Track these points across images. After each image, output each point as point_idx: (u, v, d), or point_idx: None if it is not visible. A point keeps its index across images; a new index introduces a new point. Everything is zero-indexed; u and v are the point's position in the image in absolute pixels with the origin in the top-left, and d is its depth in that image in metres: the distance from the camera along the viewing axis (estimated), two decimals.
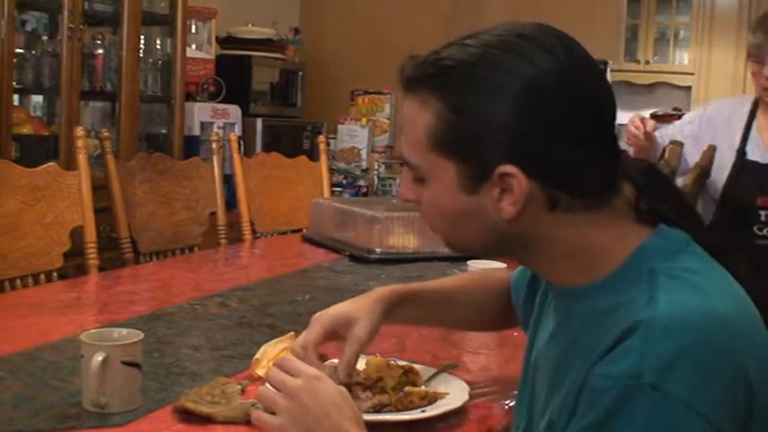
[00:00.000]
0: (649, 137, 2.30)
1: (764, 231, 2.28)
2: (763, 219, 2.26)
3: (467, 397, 1.23)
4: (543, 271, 0.97)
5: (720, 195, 2.32)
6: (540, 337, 1.03)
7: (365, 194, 4.75)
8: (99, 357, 1.14)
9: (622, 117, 6.21)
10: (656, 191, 0.93)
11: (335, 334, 1.22)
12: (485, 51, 0.87)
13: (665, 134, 2.48)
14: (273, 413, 0.98)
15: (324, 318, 1.23)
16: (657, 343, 0.79)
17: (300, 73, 4.82)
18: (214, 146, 2.85)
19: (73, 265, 2.35)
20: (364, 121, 4.97)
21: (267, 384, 1.04)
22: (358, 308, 1.22)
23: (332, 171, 4.18)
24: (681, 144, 2.06)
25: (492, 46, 0.87)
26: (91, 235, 2.28)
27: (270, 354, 1.35)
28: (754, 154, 2.30)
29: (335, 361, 1.31)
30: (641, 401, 0.77)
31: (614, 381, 0.79)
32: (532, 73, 0.85)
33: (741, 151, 2.32)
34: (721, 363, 0.80)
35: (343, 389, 1.00)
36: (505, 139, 0.85)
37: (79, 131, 2.36)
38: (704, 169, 2.22)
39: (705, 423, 0.77)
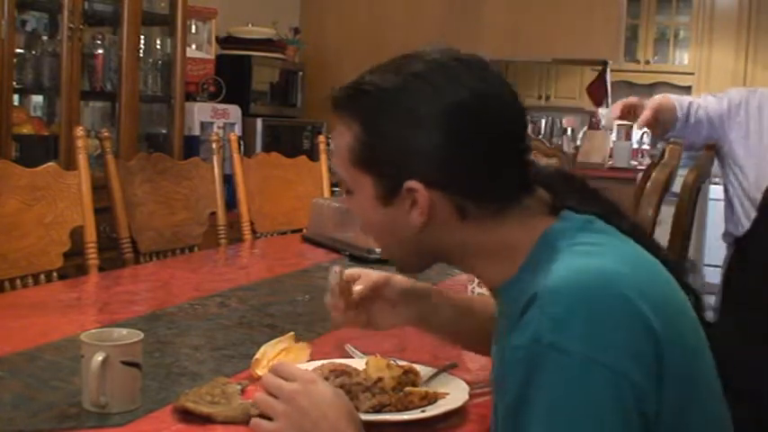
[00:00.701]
0: (652, 117, 2.26)
1: None
2: None
3: (467, 397, 1.23)
4: (477, 275, 1.07)
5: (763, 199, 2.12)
6: (494, 349, 1.08)
7: None
8: (99, 357, 1.14)
9: None
10: (566, 189, 1.02)
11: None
12: (399, 79, 0.96)
13: (700, 105, 2.39)
14: (271, 419, 0.98)
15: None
16: (550, 306, 0.86)
17: (300, 73, 4.82)
18: (214, 146, 2.85)
19: (73, 265, 2.35)
20: None
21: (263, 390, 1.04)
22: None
23: (332, 171, 4.17)
24: (681, 144, 2.04)
25: (407, 73, 0.96)
26: (91, 235, 2.28)
27: (270, 354, 1.35)
28: None
29: (335, 361, 1.31)
30: (546, 363, 0.84)
31: (521, 350, 0.86)
32: (441, 102, 0.93)
33: None
34: (613, 312, 0.85)
35: (340, 391, 1.02)
36: (412, 157, 0.94)
37: (79, 131, 2.36)
38: (704, 169, 2.16)
39: (606, 370, 0.82)
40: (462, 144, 0.93)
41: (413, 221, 0.96)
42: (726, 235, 2.49)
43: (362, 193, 0.99)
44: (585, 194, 1.03)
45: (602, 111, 2.24)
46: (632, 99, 2.49)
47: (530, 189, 0.99)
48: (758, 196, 2.15)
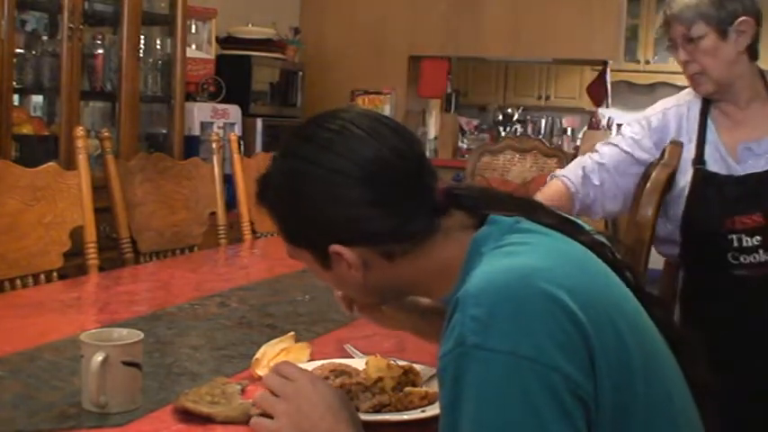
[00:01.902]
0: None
1: (741, 259, 1.88)
2: (735, 244, 1.88)
3: None
4: (427, 295, 1.11)
5: (681, 221, 1.95)
6: None
7: None
8: (99, 357, 1.14)
9: (622, 117, 6.22)
10: (484, 200, 1.06)
11: None
12: (290, 166, 1.04)
13: (592, 163, 2.06)
14: (271, 417, 0.98)
15: None
16: (471, 309, 0.87)
17: (300, 73, 4.82)
18: (214, 146, 2.85)
19: (73, 265, 2.35)
20: None
21: (264, 389, 1.04)
22: None
23: None
24: (680, 144, 2.02)
25: (293, 157, 1.04)
26: (91, 235, 2.28)
27: (270, 354, 1.35)
28: (714, 163, 1.94)
29: (335, 361, 1.32)
30: (472, 364, 0.85)
31: (448, 356, 0.87)
32: (323, 175, 1.00)
33: (698, 161, 1.94)
34: (532, 304, 0.86)
35: (341, 392, 1.02)
36: (324, 227, 1.02)
37: (79, 131, 2.36)
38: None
39: (534, 364, 0.83)
40: (360, 205, 1.00)
41: (354, 277, 1.03)
42: None
43: (309, 263, 1.07)
44: (505, 199, 1.07)
45: None
46: None
47: (447, 212, 1.03)
48: None
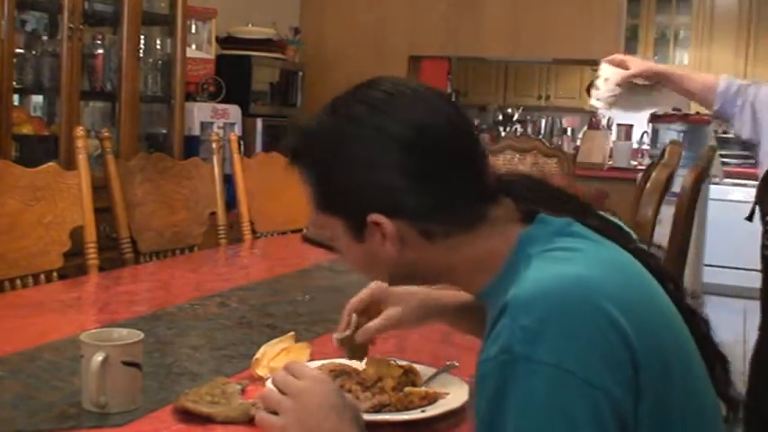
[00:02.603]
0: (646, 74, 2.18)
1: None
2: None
3: (467, 397, 1.22)
4: (459, 286, 1.05)
5: None
6: None
7: None
8: (99, 357, 1.14)
9: (623, 118, 6.19)
10: (534, 194, 1.02)
11: (377, 303, 1.25)
12: (336, 125, 0.99)
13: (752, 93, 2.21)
14: (276, 414, 0.98)
15: (373, 285, 1.26)
16: (522, 317, 0.84)
17: (300, 73, 4.82)
18: (214, 146, 2.85)
19: (73, 265, 2.35)
20: None
21: (271, 386, 1.04)
22: (408, 291, 1.25)
23: None
24: (681, 144, 2.03)
25: (343, 118, 0.98)
26: (91, 235, 2.28)
27: (270, 354, 1.35)
28: None
29: (335, 361, 1.32)
30: (518, 374, 0.83)
31: (492, 362, 0.85)
32: (378, 138, 0.95)
33: None
34: (584, 319, 0.84)
35: (346, 394, 1.02)
36: (367, 193, 0.96)
37: (79, 131, 2.36)
38: (704, 170, 2.10)
39: (578, 379, 0.81)
40: (408, 174, 0.95)
41: (388, 252, 0.98)
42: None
43: (338, 234, 1.01)
44: (555, 196, 1.03)
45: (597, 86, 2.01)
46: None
47: (495, 199, 0.99)
48: None
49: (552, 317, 0.84)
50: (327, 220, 1.01)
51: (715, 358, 1.00)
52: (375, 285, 1.26)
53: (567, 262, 0.91)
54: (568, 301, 0.85)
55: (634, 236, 1.05)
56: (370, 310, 1.25)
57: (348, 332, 1.24)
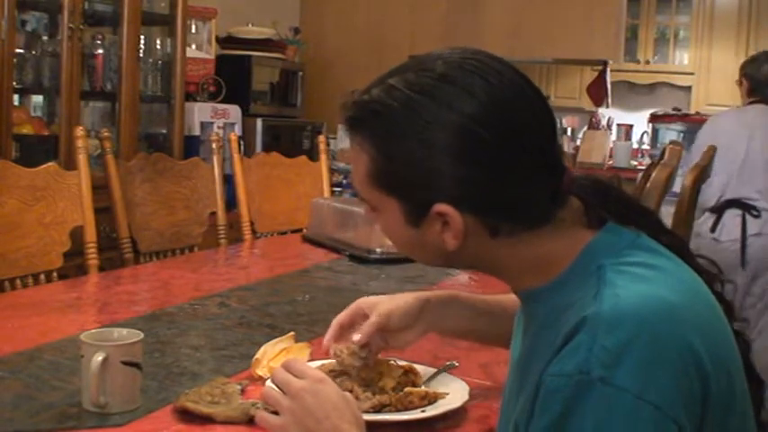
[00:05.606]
0: None
1: None
2: None
3: (467, 397, 1.23)
4: (505, 281, 1.01)
5: None
6: (514, 346, 1.06)
7: None
8: (99, 357, 1.14)
9: (622, 117, 6.21)
10: (603, 200, 0.96)
11: (363, 316, 1.23)
12: (407, 98, 0.90)
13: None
14: (276, 413, 0.98)
15: (358, 300, 1.25)
16: (604, 337, 0.80)
17: (300, 73, 4.82)
18: (214, 146, 2.85)
19: (73, 265, 2.35)
20: None
21: (272, 385, 1.04)
22: (391, 296, 1.25)
23: (332, 171, 4.18)
24: (680, 144, 2.03)
25: (414, 90, 0.90)
26: (91, 235, 2.28)
27: (270, 354, 1.35)
28: None
29: (334, 361, 1.31)
30: (593, 397, 0.79)
31: (565, 379, 0.81)
32: (453, 119, 0.88)
33: None
34: (669, 350, 0.81)
35: (346, 393, 1.02)
36: (437, 181, 0.90)
37: (79, 131, 2.36)
38: (704, 170, 2.11)
39: (656, 411, 0.79)
40: (484, 162, 0.89)
41: (446, 242, 0.92)
42: None
43: (389, 213, 0.95)
44: (622, 204, 0.97)
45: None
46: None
47: (564, 200, 0.94)
48: None
49: (638, 342, 0.80)
50: (379, 198, 0.94)
51: (751, 381, 0.96)
52: (361, 300, 1.25)
53: (648, 282, 0.86)
54: (656, 329, 0.81)
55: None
56: (356, 324, 1.24)
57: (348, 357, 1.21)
